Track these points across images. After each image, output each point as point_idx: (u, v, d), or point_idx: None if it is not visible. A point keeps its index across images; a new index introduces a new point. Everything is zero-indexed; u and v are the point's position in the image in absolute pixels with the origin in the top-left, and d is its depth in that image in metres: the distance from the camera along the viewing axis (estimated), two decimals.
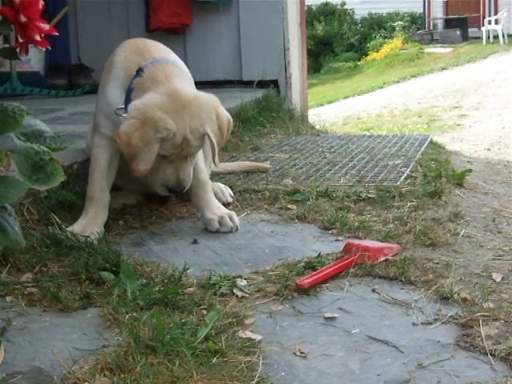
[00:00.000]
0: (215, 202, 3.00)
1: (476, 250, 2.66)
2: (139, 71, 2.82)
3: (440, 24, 26.77)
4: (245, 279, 2.36)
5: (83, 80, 6.24)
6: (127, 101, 2.80)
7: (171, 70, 2.85)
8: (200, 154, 3.03)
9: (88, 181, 2.88)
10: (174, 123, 2.66)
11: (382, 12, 26.59)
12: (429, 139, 4.89)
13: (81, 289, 2.22)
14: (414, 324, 2.05)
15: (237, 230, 2.90)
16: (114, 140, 2.87)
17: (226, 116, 2.89)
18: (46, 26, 1.64)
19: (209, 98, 2.84)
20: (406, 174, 3.67)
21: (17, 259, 2.37)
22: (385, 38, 25.21)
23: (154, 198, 3.22)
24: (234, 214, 2.97)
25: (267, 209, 3.15)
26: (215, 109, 2.83)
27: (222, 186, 3.29)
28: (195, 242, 2.83)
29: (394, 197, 3.25)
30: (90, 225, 2.74)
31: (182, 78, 2.86)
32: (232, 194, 3.27)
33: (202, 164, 3.05)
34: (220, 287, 2.27)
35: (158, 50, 3.00)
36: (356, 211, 3.10)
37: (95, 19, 6.55)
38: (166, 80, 2.77)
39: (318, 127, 6.18)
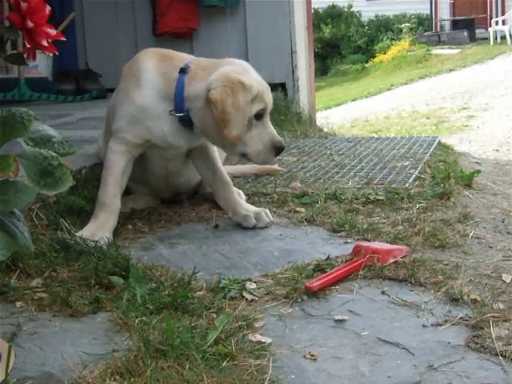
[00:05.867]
0: (242, 200, 3.08)
1: (485, 251, 2.65)
2: (183, 70, 2.88)
3: (447, 25, 26.75)
4: (254, 282, 2.36)
5: (91, 85, 6.26)
6: (179, 100, 2.86)
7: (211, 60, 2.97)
8: (218, 156, 3.14)
9: (100, 185, 2.89)
10: (252, 79, 2.83)
11: (389, 14, 26.60)
12: (437, 141, 4.88)
13: (90, 293, 2.23)
14: (424, 326, 2.04)
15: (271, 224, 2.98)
16: (134, 146, 2.90)
17: None
18: (53, 32, 1.64)
19: None
20: (414, 176, 3.67)
21: (26, 264, 2.37)
22: (392, 40, 25.21)
23: (167, 201, 3.29)
24: (267, 210, 3.04)
25: (276, 212, 3.15)
26: None
27: (236, 188, 3.30)
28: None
29: (403, 198, 3.25)
30: (99, 230, 2.74)
31: None
32: (245, 198, 3.27)
33: (222, 165, 3.15)
34: (229, 291, 2.27)
35: (181, 54, 3.06)
36: (365, 213, 3.09)
37: (102, 25, 6.57)
38: (215, 65, 2.89)
39: (325, 130, 6.18)
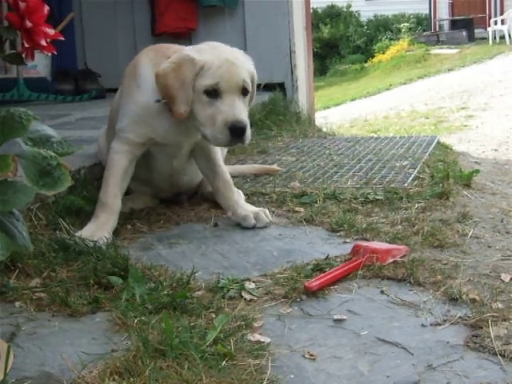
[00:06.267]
0: (241, 200, 3.07)
1: (484, 251, 2.65)
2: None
3: (446, 25, 26.77)
4: (253, 282, 2.36)
5: (90, 85, 6.25)
6: None
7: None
8: (219, 155, 3.12)
9: (102, 185, 2.89)
10: (210, 56, 2.78)
11: (388, 14, 26.62)
12: (436, 140, 4.88)
13: (89, 293, 2.22)
14: (423, 325, 2.04)
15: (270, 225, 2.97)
16: (137, 145, 2.90)
17: None
18: (51, 31, 1.64)
19: None
20: (413, 176, 3.67)
21: (25, 264, 2.37)
22: (391, 39, 25.23)
23: (166, 201, 3.29)
24: (266, 210, 3.03)
25: (275, 211, 3.15)
26: None
27: (235, 188, 3.29)
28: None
29: (402, 198, 3.25)
30: (99, 230, 2.73)
31: None
32: (244, 197, 3.27)
33: (223, 164, 3.15)
34: (228, 290, 2.27)
35: (179, 46, 3.07)
36: (364, 213, 3.09)
37: (101, 25, 6.57)
38: None
39: (324, 130, 6.18)
